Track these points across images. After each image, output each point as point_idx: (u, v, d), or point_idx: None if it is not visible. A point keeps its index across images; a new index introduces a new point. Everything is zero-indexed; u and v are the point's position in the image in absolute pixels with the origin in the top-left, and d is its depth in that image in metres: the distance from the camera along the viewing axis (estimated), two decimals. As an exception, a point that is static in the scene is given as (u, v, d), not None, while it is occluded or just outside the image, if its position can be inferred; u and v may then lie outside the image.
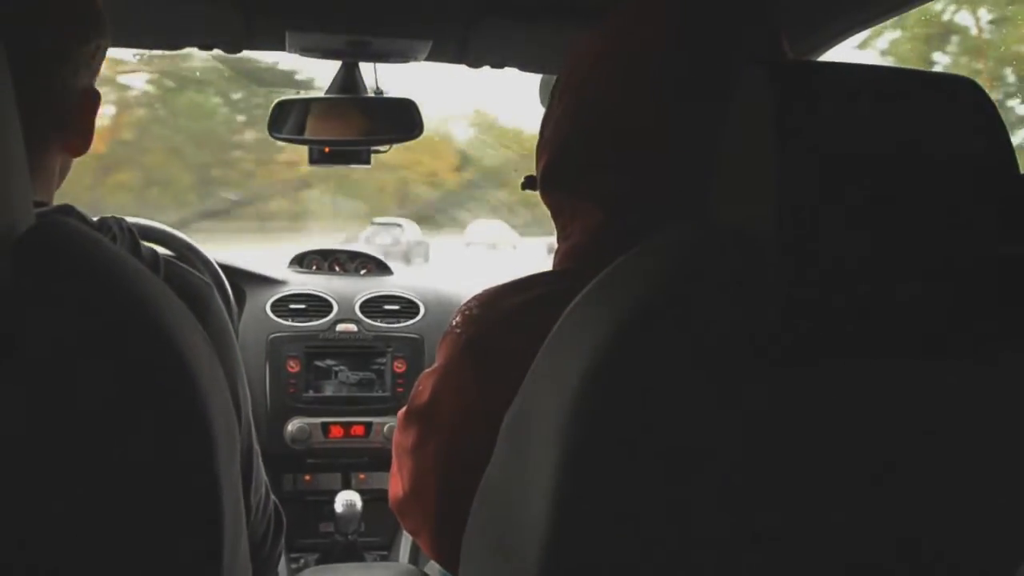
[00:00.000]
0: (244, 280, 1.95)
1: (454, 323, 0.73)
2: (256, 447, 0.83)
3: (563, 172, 0.73)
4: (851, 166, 0.49)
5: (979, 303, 0.51)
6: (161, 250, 0.78)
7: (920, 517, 0.54)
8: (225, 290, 1.69)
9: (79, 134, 0.72)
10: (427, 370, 0.77)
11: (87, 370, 0.45)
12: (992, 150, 0.51)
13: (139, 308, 0.48)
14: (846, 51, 1.17)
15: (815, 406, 0.51)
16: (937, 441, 0.54)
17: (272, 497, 0.92)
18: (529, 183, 0.79)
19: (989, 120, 0.52)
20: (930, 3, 1.02)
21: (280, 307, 1.92)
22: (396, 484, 0.82)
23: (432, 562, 1.66)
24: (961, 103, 0.52)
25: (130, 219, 0.88)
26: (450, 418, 0.72)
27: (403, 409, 0.80)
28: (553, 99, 0.75)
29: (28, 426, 0.45)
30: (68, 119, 0.70)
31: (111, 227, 0.73)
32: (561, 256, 0.75)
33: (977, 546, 0.55)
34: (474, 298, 0.74)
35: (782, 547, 0.52)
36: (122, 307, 0.47)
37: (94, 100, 0.72)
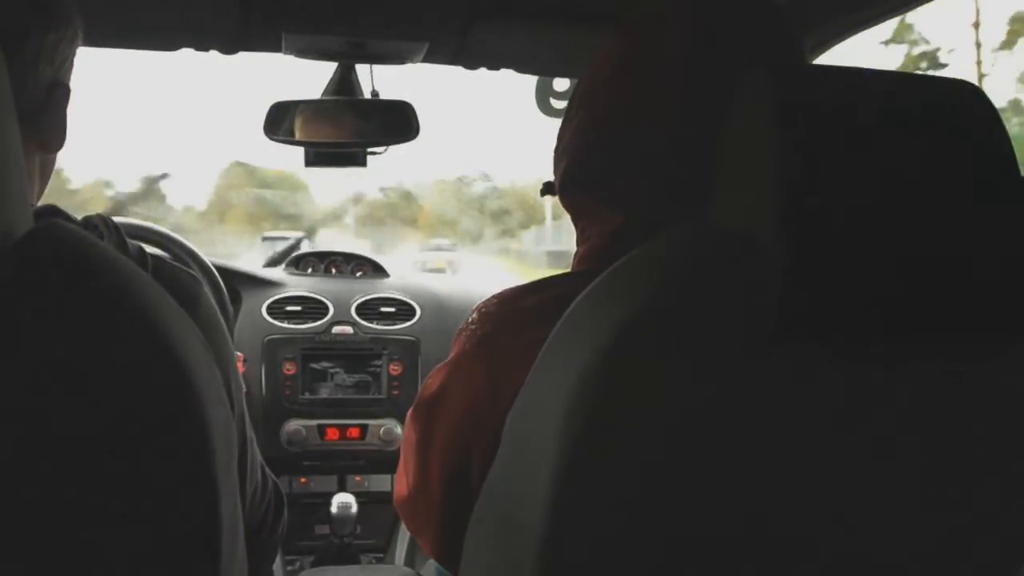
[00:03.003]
0: (240, 282, 1.95)
1: (471, 319, 0.74)
2: (250, 434, 0.83)
3: (583, 177, 0.74)
4: (851, 167, 0.49)
5: (979, 303, 0.51)
6: (150, 249, 0.78)
7: (922, 515, 0.54)
8: (221, 292, 1.69)
9: (50, 130, 0.71)
10: (438, 365, 0.78)
11: (86, 372, 0.45)
12: (993, 152, 0.51)
13: (138, 312, 0.48)
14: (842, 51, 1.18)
15: (816, 405, 0.51)
16: (938, 439, 0.54)
17: (270, 478, 0.92)
18: (548, 188, 0.80)
19: (990, 122, 0.52)
20: (927, 3, 1.02)
21: (276, 309, 1.92)
22: (401, 483, 0.82)
23: (428, 564, 1.66)
24: (962, 106, 0.52)
25: (120, 219, 0.87)
26: (458, 411, 0.72)
27: (412, 408, 0.80)
28: (571, 106, 0.76)
29: (27, 428, 0.45)
30: (33, 114, 0.69)
31: (96, 225, 0.73)
32: (580, 258, 0.76)
33: (979, 545, 0.56)
34: (493, 296, 0.75)
35: (783, 544, 0.52)
36: (121, 311, 0.47)
37: (62, 94, 0.71)
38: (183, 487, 0.47)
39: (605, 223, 0.73)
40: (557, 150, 0.77)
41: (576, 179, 0.75)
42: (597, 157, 0.73)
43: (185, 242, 1.71)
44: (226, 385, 0.73)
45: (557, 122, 0.80)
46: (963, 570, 0.56)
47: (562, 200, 0.78)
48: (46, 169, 0.75)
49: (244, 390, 0.84)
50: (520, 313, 0.71)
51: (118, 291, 0.48)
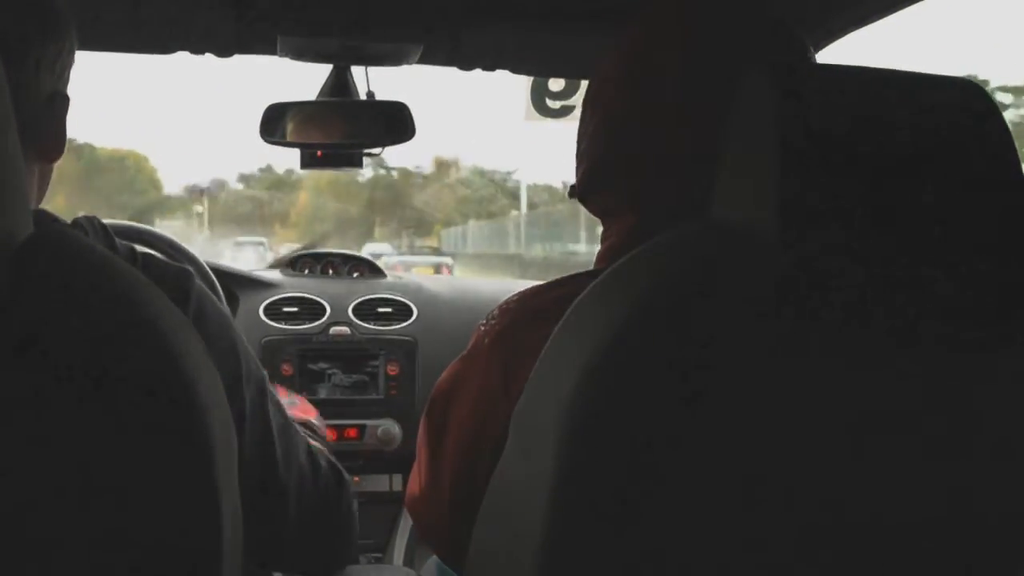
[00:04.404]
0: (236, 283, 1.94)
1: (491, 315, 0.76)
2: (279, 421, 0.78)
3: (600, 180, 0.77)
4: (851, 167, 0.50)
5: (979, 303, 0.51)
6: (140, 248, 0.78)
7: (927, 509, 0.55)
8: (216, 290, 1.68)
9: (50, 139, 0.72)
10: (454, 360, 0.79)
11: (87, 377, 0.45)
12: (993, 151, 0.52)
13: (140, 317, 0.48)
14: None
15: (815, 403, 0.52)
16: (942, 431, 0.54)
17: (323, 458, 0.86)
18: (573, 191, 0.82)
19: (991, 121, 0.52)
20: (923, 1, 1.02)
21: (273, 310, 1.92)
22: (414, 482, 0.82)
23: (428, 564, 1.66)
24: (963, 104, 0.52)
25: (109, 221, 0.87)
26: (471, 405, 0.73)
27: (426, 404, 0.80)
28: (585, 112, 0.79)
29: (28, 432, 0.45)
30: (33, 124, 0.69)
31: (84, 226, 0.74)
32: (600, 256, 0.78)
33: (980, 542, 0.56)
34: (515, 294, 0.77)
35: (785, 540, 0.52)
36: (123, 316, 0.47)
37: (62, 105, 0.72)
38: (184, 493, 0.47)
39: (623, 222, 0.76)
40: (577, 154, 0.80)
41: (595, 181, 0.77)
42: (611, 158, 0.75)
43: (177, 241, 1.70)
44: (236, 376, 0.72)
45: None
46: (966, 565, 0.56)
47: (584, 202, 0.80)
48: (44, 178, 0.75)
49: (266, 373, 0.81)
50: (538, 308, 0.73)
51: (120, 296, 0.48)
